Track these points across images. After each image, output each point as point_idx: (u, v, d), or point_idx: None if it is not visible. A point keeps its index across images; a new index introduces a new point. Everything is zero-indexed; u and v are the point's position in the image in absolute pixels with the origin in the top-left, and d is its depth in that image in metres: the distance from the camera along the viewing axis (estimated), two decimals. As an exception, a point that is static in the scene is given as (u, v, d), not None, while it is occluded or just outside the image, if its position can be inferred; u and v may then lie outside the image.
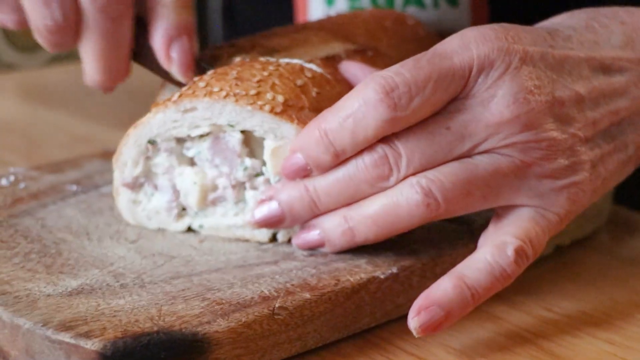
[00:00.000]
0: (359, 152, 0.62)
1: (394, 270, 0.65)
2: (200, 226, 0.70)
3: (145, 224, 0.71)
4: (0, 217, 0.71)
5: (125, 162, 0.70)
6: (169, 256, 0.66)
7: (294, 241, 0.67)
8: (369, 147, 0.61)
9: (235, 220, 0.69)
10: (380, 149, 0.61)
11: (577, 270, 0.74)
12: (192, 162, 0.69)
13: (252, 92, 0.65)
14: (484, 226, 0.66)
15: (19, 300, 0.59)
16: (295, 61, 0.70)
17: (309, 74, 0.68)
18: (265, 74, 0.67)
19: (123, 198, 0.71)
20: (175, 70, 0.70)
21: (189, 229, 0.70)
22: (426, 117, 0.61)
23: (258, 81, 0.66)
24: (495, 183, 0.62)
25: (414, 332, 0.61)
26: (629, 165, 0.68)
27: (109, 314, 0.58)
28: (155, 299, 0.60)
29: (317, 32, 0.77)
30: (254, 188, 0.68)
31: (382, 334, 0.65)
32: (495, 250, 0.61)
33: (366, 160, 0.62)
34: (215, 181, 0.69)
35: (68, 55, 1.61)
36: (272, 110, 0.65)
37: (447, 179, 0.61)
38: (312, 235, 0.65)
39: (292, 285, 0.62)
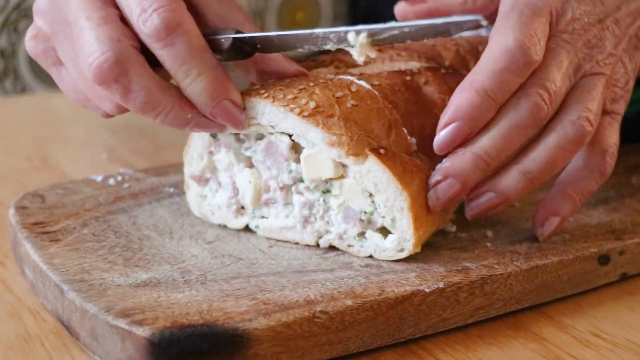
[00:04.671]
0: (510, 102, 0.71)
1: (440, 285, 0.68)
2: (257, 226, 0.76)
3: (210, 219, 0.78)
4: (99, 212, 0.79)
5: (193, 156, 0.77)
6: (236, 258, 0.72)
7: (469, 213, 0.73)
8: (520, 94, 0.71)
9: (286, 222, 0.74)
10: (531, 91, 0.71)
11: (638, 300, 0.75)
12: (251, 163, 0.75)
13: (290, 96, 0.70)
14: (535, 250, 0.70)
15: (92, 288, 0.66)
16: (348, 77, 0.74)
17: (354, 88, 0.72)
18: (311, 84, 0.72)
19: (192, 192, 0.78)
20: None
21: (247, 228, 0.77)
22: None
23: (300, 89, 0.71)
24: None
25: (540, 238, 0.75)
26: None
27: (165, 306, 0.64)
28: (210, 295, 0.66)
29: (400, 52, 0.81)
30: (299, 192, 0.73)
31: (425, 345, 0.68)
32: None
33: (525, 105, 0.70)
34: (268, 182, 0.74)
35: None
36: (300, 113, 0.70)
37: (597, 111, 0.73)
38: (488, 199, 0.72)
39: (339, 292, 0.66)
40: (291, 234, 0.74)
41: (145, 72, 0.69)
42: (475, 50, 0.87)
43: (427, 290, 0.67)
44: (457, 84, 0.79)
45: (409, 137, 0.73)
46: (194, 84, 0.69)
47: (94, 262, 0.70)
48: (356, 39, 0.65)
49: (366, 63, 0.79)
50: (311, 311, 0.64)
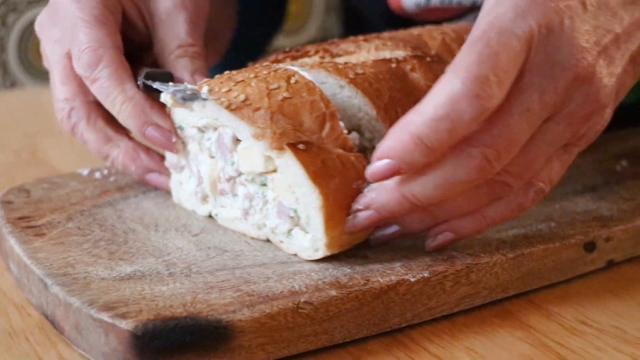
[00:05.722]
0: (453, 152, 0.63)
1: (426, 274, 0.68)
2: (216, 215, 0.76)
3: (183, 205, 0.79)
4: (84, 206, 0.79)
5: None
6: (222, 250, 0.72)
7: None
8: (465, 147, 0.63)
9: (235, 213, 0.74)
10: (476, 150, 0.63)
11: (624, 287, 0.75)
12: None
13: (225, 89, 0.71)
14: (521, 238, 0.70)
15: (76, 282, 0.66)
16: (294, 68, 0.73)
17: (293, 80, 0.71)
18: (251, 76, 0.72)
19: (173, 179, 0.80)
20: None
21: (211, 216, 0.78)
22: None
23: (238, 82, 0.71)
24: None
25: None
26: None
27: (149, 298, 0.64)
28: (195, 287, 0.65)
29: (386, 41, 0.81)
30: (242, 184, 0.73)
31: (411, 334, 0.68)
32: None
33: (466, 163, 0.63)
34: (219, 173, 0.75)
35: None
36: (228, 107, 0.70)
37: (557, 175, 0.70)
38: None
39: (323, 282, 0.66)
40: (240, 225, 0.74)
41: (91, 126, 0.80)
42: (461, 39, 0.87)
43: (412, 279, 0.67)
44: (444, 72, 0.78)
45: (345, 132, 0.71)
46: (121, 111, 0.76)
47: (78, 256, 0.70)
48: (165, 98, 0.74)
49: (351, 52, 0.79)
50: (295, 302, 0.64)
